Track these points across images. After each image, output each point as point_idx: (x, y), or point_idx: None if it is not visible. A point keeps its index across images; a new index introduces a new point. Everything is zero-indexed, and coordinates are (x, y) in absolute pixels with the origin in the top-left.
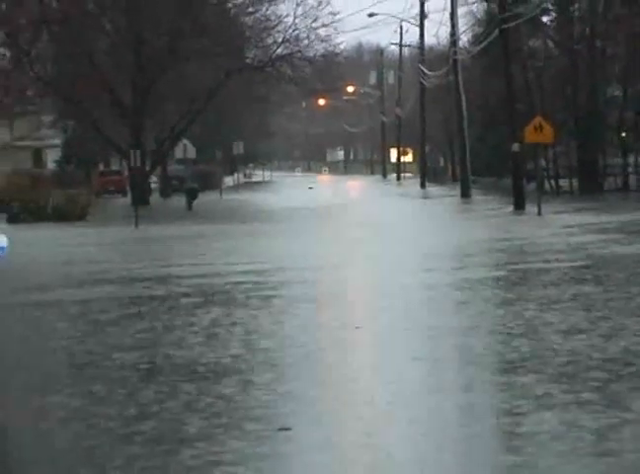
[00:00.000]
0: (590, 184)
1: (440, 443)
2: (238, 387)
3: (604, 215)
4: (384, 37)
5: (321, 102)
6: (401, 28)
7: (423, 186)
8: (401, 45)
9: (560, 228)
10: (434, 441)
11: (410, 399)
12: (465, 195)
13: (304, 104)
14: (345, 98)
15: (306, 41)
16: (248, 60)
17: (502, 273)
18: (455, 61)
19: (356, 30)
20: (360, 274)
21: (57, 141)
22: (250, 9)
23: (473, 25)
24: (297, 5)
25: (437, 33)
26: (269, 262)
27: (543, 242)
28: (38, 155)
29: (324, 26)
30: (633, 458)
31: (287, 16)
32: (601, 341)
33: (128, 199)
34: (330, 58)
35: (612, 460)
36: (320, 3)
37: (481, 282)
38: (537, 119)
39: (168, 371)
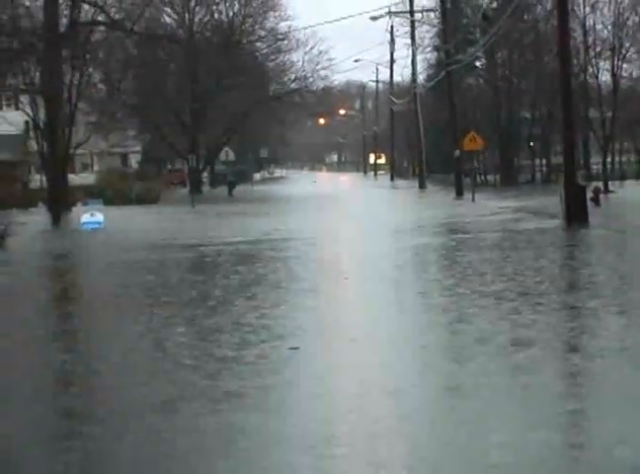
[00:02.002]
0: (508, 178)
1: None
2: (267, 287)
3: (518, 201)
4: (365, 75)
5: (321, 121)
6: (377, 70)
7: (392, 180)
8: (377, 82)
9: (487, 209)
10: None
11: (378, 310)
12: (422, 186)
13: (309, 122)
14: (338, 118)
15: (311, 79)
16: (270, 93)
17: (444, 239)
18: (415, 93)
19: (345, 71)
20: (349, 239)
21: (138, 148)
22: (272, 57)
23: (427, 68)
24: (305, 54)
25: (402, 73)
26: (285, 230)
27: (474, 220)
28: (124, 158)
29: (323, 68)
30: None
31: (298, 61)
32: (495, 274)
33: (187, 189)
34: (327, 90)
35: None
36: (320, 53)
37: (430, 246)
38: (472, 134)
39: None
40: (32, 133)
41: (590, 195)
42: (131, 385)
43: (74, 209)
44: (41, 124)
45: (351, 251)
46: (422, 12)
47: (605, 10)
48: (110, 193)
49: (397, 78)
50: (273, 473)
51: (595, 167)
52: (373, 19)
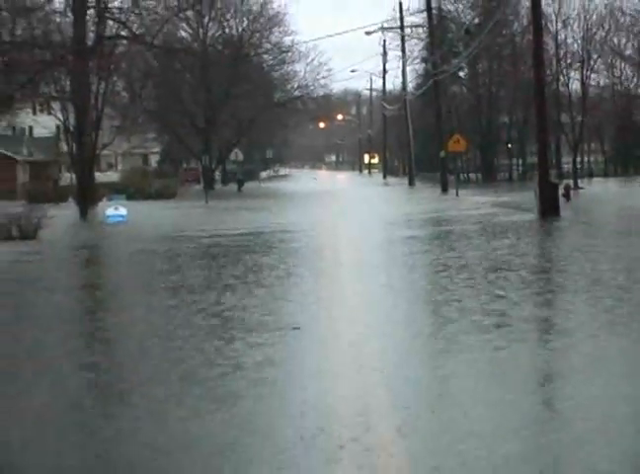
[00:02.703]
0: (488, 176)
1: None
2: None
3: (497, 196)
4: (361, 84)
5: (321, 124)
6: (371, 79)
7: (384, 177)
8: (371, 90)
9: (469, 204)
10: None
11: (369, 278)
12: (411, 183)
13: (310, 126)
14: (336, 122)
15: (312, 87)
16: (275, 99)
17: (430, 231)
18: (405, 100)
19: (343, 80)
20: (347, 230)
21: (157, 149)
22: (277, 67)
23: (416, 77)
24: (306, 65)
25: (393, 82)
26: (288, 223)
27: (457, 214)
28: (145, 158)
29: (323, 78)
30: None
31: (300, 72)
32: (474, 255)
33: (201, 186)
34: (327, 98)
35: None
36: (320, 64)
37: (417, 237)
38: (456, 136)
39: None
40: (62, 136)
41: (561, 191)
42: (168, 349)
43: (100, 204)
44: (71, 128)
45: (348, 241)
46: (411, 27)
47: (575, 26)
48: (132, 189)
49: (389, 86)
50: None
51: (565, 166)
52: (368, 34)
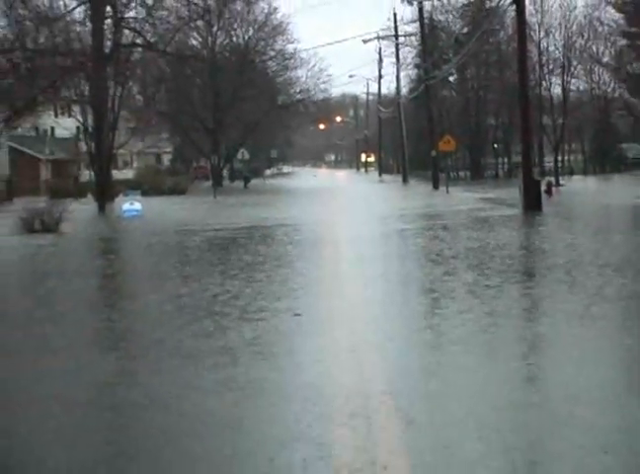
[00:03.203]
0: (476, 174)
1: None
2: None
3: (484, 192)
4: (358, 89)
5: (321, 126)
6: (368, 84)
7: (380, 175)
8: (368, 94)
9: (458, 199)
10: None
11: (366, 260)
12: (405, 180)
13: (311, 127)
14: (335, 124)
15: (313, 92)
16: (278, 103)
17: (423, 224)
18: (399, 103)
19: (341, 84)
20: (346, 223)
21: (169, 149)
22: (280, 73)
23: (409, 82)
24: (308, 71)
25: (388, 86)
26: (291, 217)
27: (448, 208)
28: (158, 157)
29: (323, 83)
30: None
31: (302, 77)
32: (460, 245)
33: (210, 183)
34: (326, 101)
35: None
36: (320, 70)
37: (409, 230)
38: (446, 137)
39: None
40: (82, 136)
41: (543, 187)
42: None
43: (117, 200)
44: (90, 129)
45: (347, 234)
46: (405, 36)
47: (557, 35)
48: (146, 185)
49: (384, 91)
50: None
51: (548, 164)
52: (365, 42)
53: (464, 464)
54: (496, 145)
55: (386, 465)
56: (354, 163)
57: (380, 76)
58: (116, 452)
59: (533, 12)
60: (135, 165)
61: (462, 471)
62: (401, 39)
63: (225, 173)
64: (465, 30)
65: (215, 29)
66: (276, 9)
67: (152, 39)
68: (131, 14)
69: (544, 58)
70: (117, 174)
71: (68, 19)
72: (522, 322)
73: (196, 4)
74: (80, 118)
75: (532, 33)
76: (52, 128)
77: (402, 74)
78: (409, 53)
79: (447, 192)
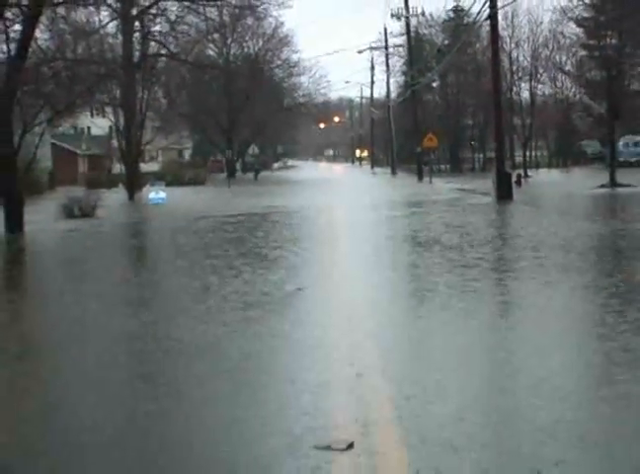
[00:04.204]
0: (455, 167)
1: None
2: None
3: (462, 183)
4: (353, 93)
5: (321, 125)
6: (361, 89)
7: (372, 168)
8: (362, 97)
9: (440, 189)
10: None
11: (360, 242)
12: (393, 173)
13: (313, 126)
14: (333, 124)
15: (314, 95)
16: (284, 105)
17: (408, 211)
18: (389, 106)
19: (339, 89)
20: (343, 210)
21: (190, 145)
22: (286, 79)
23: (398, 87)
24: (310, 77)
25: (379, 91)
26: (296, 204)
27: (431, 196)
28: (180, 152)
29: (323, 87)
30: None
31: (304, 83)
32: (444, 226)
33: (225, 174)
34: (326, 104)
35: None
36: (320, 76)
37: (396, 216)
38: (430, 135)
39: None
40: (114, 134)
41: (514, 179)
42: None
43: (144, 189)
44: (121, 128)
45: (344, 218)
46: (394, 47)
47: (525, 46)
48: (170, 177)
49: (376, 95)
50: None
51: (517, 159)
52: (359, 52)
53: (424, 372)
54: (473, 142)
55: (362, 373)
56: (349, 157)
57: (372, 82)
58: None
59: (505, 26)
60: (160, 159)
61: (419, 372)
62: (391, 50)
63: (238, 166)
64: (446, 42)
65: (229, 41)
66: (282, 23)
67: (175, 50)
68: (157, 28)
69: (514, 67)
70: (144, 167)
71: (102, 32)
72: (490, 273)
73: (212, 19)
74: (112, 118)
75: (504, 44)
76: (89, 127)
77: (391, 80)
78: (397, 62)
79: (430, 182)
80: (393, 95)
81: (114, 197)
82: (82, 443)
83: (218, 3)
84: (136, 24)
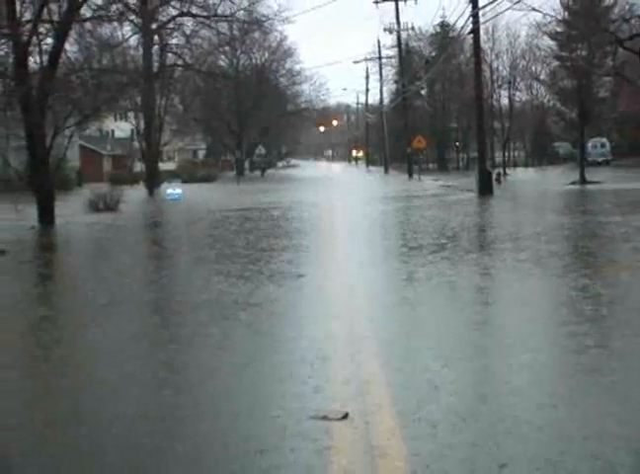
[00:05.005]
0: (442, 166)
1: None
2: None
3: (448, 180)
4: (350, 99)
5: (321, 128)
6: (357, 95)
7: (367, 167)
8: (358, 103)
9: (428, 185)
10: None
11: (360, 226)
12: (386, 171)
13: (313, 129)
14: (332, 127)
15: (314, 101)
16: (288, 110)
17: (400, 205)
18: (382, 111)
19: (337, 96)
20: (341, 204)
21: (203, 146)
22: (289, 87)
23: (390, 94)
24: (310, 85)
25: (374, 98)
26: (297, 198)
27: (418, 194)
28: (194, 152)
29: (322, 94)
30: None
31: (306, 90)
32: (423, 217)
33: (234, 173)
34: (325, 109)
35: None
36: (320, 84)
37: (389, 210)
38: (419, 137)
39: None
40: (135, 136)
41: (494, 176)
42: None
43: (162, 186)
44: (141, 131)
45: (342, 211)
46: (387, 58)
47: (505, 57)
48: (185, 175)
49: (370, 101)
50: None
51: (498, 158)
52: (355, 62)
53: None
54: (457, 143)
55: (358, 328)
56: (347, 157)
57: (367, 90)
58: None
59: (486, 40)
60: (177, 159)
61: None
62: (384, 61)
63: (246, 165)
64: (433, 53)
65: (239, 53)
66: (286, 37)
67: (190, 61)
68: (174, 41)
69: (495, 76)
70: (162, 166)
71: (125, 45)
72: (469, 254)
73: (223, 34)
74: (134, 122)
75: (485, 56)
76: (113, 130)
77: (384, 88)
78: (390, 72)
79: (419, 179)
80: (386, 101)
81: (135, 194)
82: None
83: (229, 19)
84: (155, 37)
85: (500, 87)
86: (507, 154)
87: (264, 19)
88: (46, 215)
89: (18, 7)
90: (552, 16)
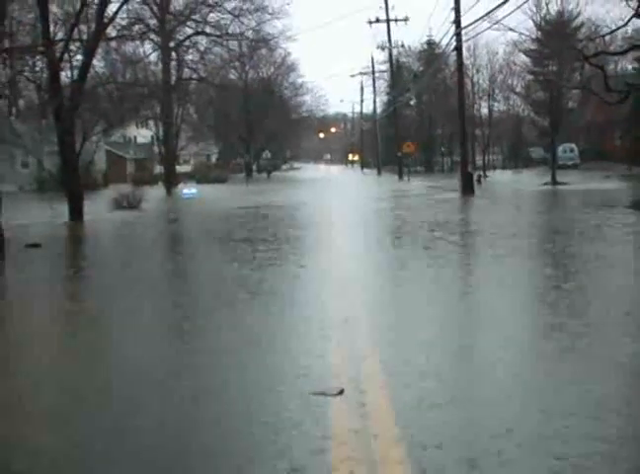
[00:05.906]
0: (428, 169)
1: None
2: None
3: (434, 182)
4: (347, 108)
5: (321, 135)
6: (353, 105)
7: (362, 169)
8: (353, 113)
9: (417, 186)
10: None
11: (359, 217)
12: (379, 173)
13: (314, 135)
14: (331, 133)
15: (315, 111)
16: (292, 118)
17: (392, 204)
18: (375, 120)
19: (335, 106)
20: (339, 203)
21: (216, 151)
22: (292, 98)
23: (382, 104)
24: (312, 97)
25: (368, 108)
26: (301, 197)
27: (408, 193)
28: (208, 156)
29: (322, 104)
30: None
31: (307, 101)
32: (410, 214)
33: (244, 174)
34: (325, 117)
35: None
36: (320, 96)
37: (384, 208)
38: (408, 143)
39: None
40: (155, 142)
41: (475, 178)
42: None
43: (179, 186)
44: (160, 137)
45: (340, 209)
46: (379, 72)
47: (484, 72)
48: (199, 176)
49: (365, 111)
50: None
51: (478, 162)
52: (352, 76)
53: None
54: (442, 149)
55: (350, 316)
56: (344, 161)
57: (362, 100)
58: None
59: (468, 56)
60: (192, 162)
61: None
62: (377, 75)
63: (254, 167)
64: (421, 68)
65: (247, 67)
66: (289, 53)
67: (204, 75)
68: (189, 57)
69: (476, 88)
70: (179, 168)
71: (146, 61)
72: (454, 244)
73: (234, 50)
74: (154, 129)
75: (467, 70)
76: (135, 137)
77: (377, 99)
78: (382, 84)
79: (408, 180)
80: (379, 110)
81: (154, 193)
82: None
83: (239, 37)
84: (173, 54)
85: (480, 98)
86: (486, 158)
87: (270, 37)
88: (76, 213)
89: (52, 28)
90: (527, 35)
